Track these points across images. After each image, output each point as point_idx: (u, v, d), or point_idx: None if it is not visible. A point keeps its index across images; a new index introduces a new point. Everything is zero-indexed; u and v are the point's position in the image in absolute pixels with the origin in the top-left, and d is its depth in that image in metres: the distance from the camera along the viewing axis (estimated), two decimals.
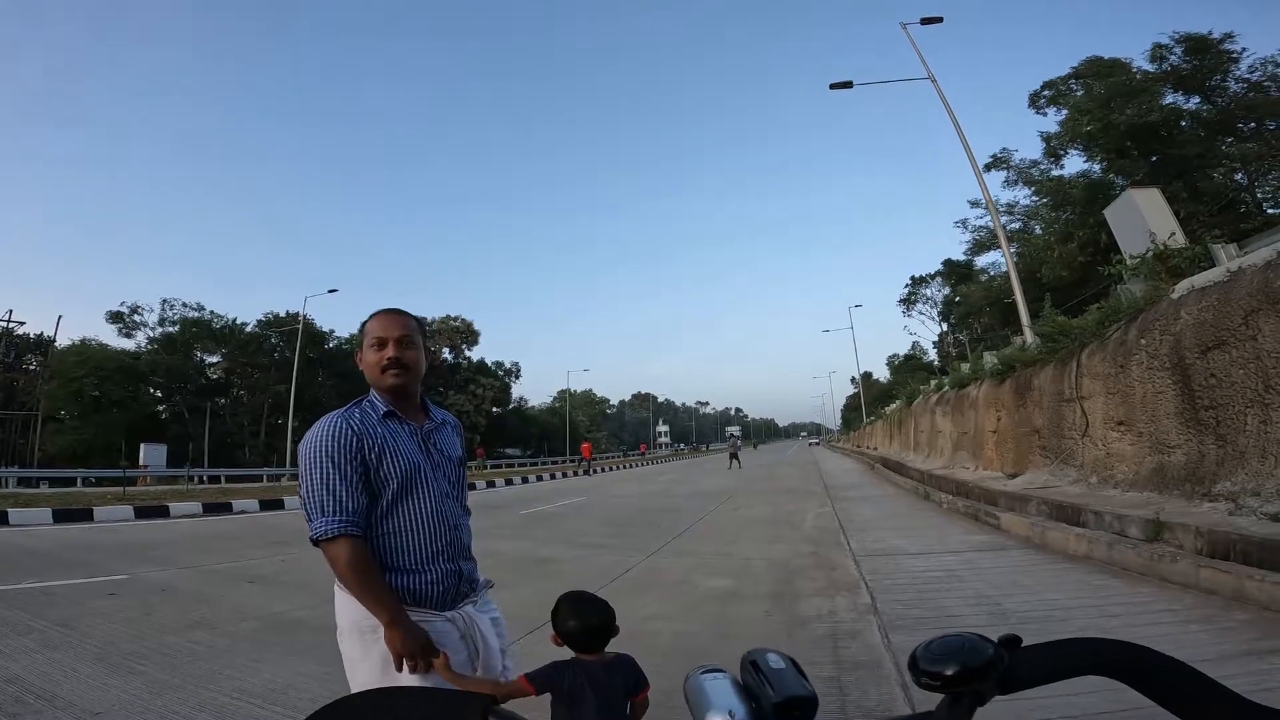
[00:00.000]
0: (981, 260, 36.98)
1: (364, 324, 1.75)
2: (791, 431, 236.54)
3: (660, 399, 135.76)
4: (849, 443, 54.20)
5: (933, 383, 21.02)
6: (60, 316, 43.02)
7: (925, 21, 15.38)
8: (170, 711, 2.89)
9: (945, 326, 45.23)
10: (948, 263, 42.49)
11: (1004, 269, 19.96)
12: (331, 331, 47.95)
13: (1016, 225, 29.47)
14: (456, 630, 1.59)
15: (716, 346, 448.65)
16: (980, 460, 12.67)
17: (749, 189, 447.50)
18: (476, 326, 57.92)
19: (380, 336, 1.67)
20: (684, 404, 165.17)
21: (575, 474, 29.21)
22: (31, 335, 37.28)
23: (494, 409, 56.71)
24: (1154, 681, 0.49)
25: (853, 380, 71.50)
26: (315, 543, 1.53)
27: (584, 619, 1.41)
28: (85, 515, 10.99)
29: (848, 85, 16.36)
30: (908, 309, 47.90)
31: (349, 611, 1.57)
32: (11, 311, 34.77)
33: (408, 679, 1.47)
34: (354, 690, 1.48)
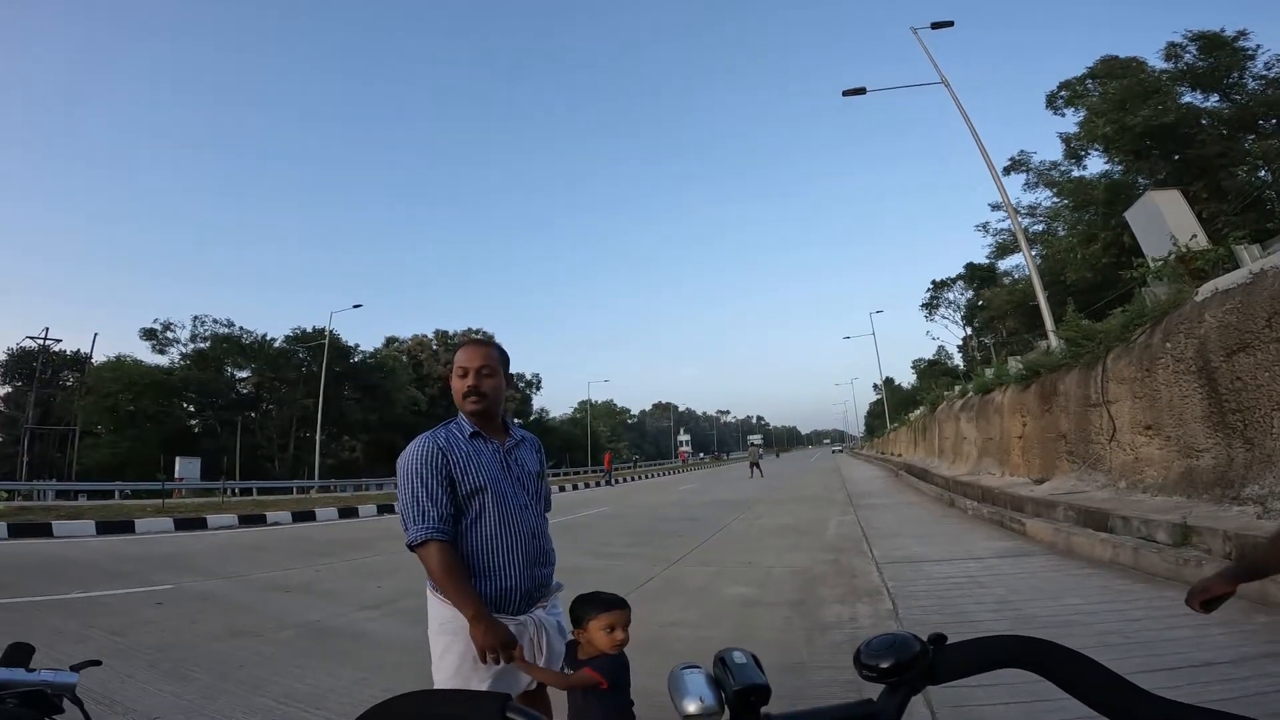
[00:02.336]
0: (1004, 263, 36.59)
1: (453, 352, 1.98)
2: (814, 439, 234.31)
3: (681, 408, 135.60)
4: (872, 449, 53.56)
5: (957, 388, 20.79)
6: (96, 334, 44.47)
7: (936, 26, 15.42)
8: (223, 715, 3.05)
9: (969, 330, 44.65)
10: (970, 266, 42.09)
11: (1027, 272, 19.74)
12: (356, 346, 48.88)
13: (1039, 227, 29.04)
14: (527, 633, 1.77)
15: (737, 355, 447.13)
16: (1006, 466, 12.54)
17: (766, 198, 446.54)
18: (498, 339, 58.44)
19: (464, 366, 1.87)
20: (705, 413, 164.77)
21: (598, 484, 29.33)
22: (68, 352, 38.61)
23: (515, 420, 56.98)
24: (1061, 673, 0.59)
25: (875, 386, 70.88)
26: (410, 548, 1.73)
27: (591, 601, 1.65)
28: (127, 527, 11.36)
29: (861, 91, 16.39)
30: (930, 313, 47.44)
31: (437, 612, 1.77)
32: (47, 329, 36.05)
33: (485, 671, 1.66)
34: (438, 681, 1.74)
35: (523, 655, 1.68)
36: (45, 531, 10.50)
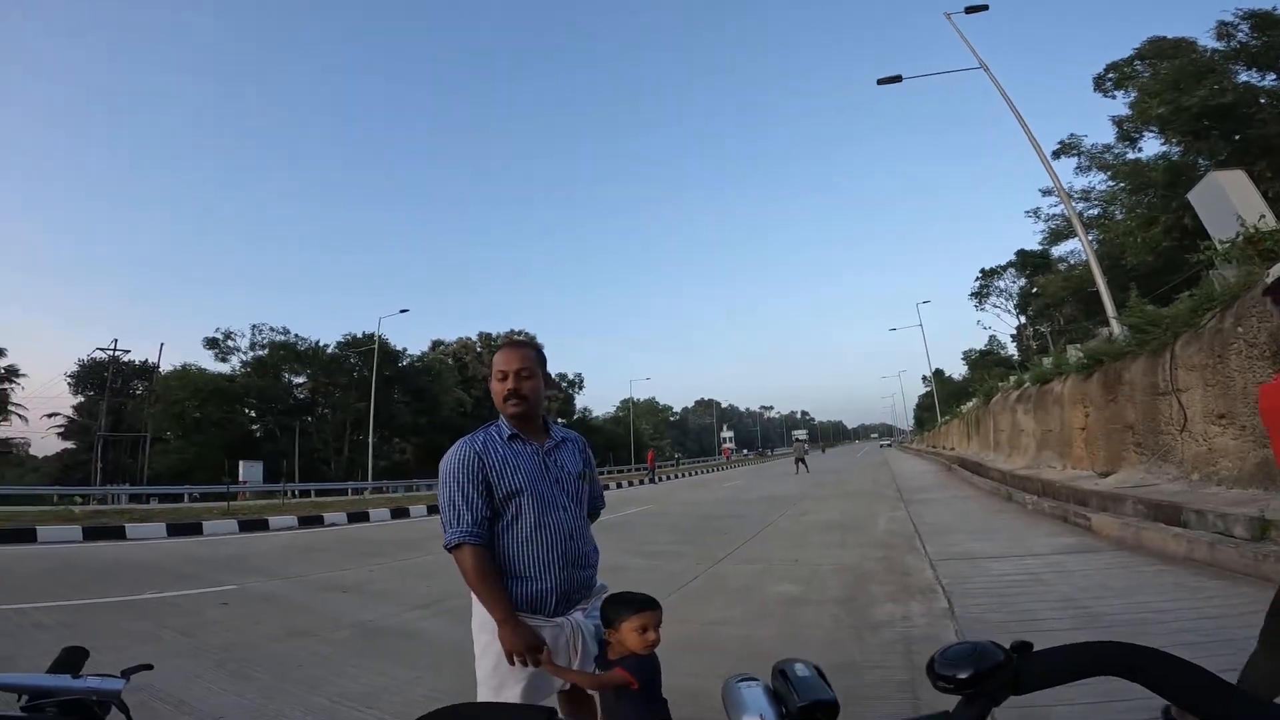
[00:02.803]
0: (1059, 249, 35.16)
1: (493, 353, 1.98)
2: (861, 433, 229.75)
3: (724, 404, 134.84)
4: (923, 443, 52.14)
5: (1012, 379, 20.03)
6: (162, 344, 46.76)
7: (970, 10, 14.86)
8: (282, 715, 3.15)
9: (1023, 319, 43.04)
10: (1021, 253, 40.64)
11: (1084, 257, 18.95)
12: (404, 350, 50.18)
13: (1095, 211, 28.04)
14: (563, 635, 1.77)
15: (780, 350, 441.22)
16: (1068, 459, 12.02)
17: (806, 191, 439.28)
18: (540, 339, 59.25)
19: (502, 369, 1.87)
20: (748, 409, 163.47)
21: (641, 482, 29.40)
22: (136, 362, 40.73)
23: (559, 420, 57.63)
24: (1162, 681, 0.53)
25: (924, 379, 68.94)
26: (447, 550, 1.77)
27: (622, 601, 1.64)
28: (195, 529, 11.91)
29: (897, 79, 15.97)
30: (980, 303, 45.98)
31: (478, 611, 1.79)
32: (116, 341, 38.11)
33: (521, 671, 1.68)
34: (479, 677, 1.76)
35: (550, 658, 1.68)
36: (119, 534, 11.07)
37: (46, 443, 41.53)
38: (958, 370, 60.95)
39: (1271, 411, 2.17)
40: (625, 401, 73.37)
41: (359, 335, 45.71)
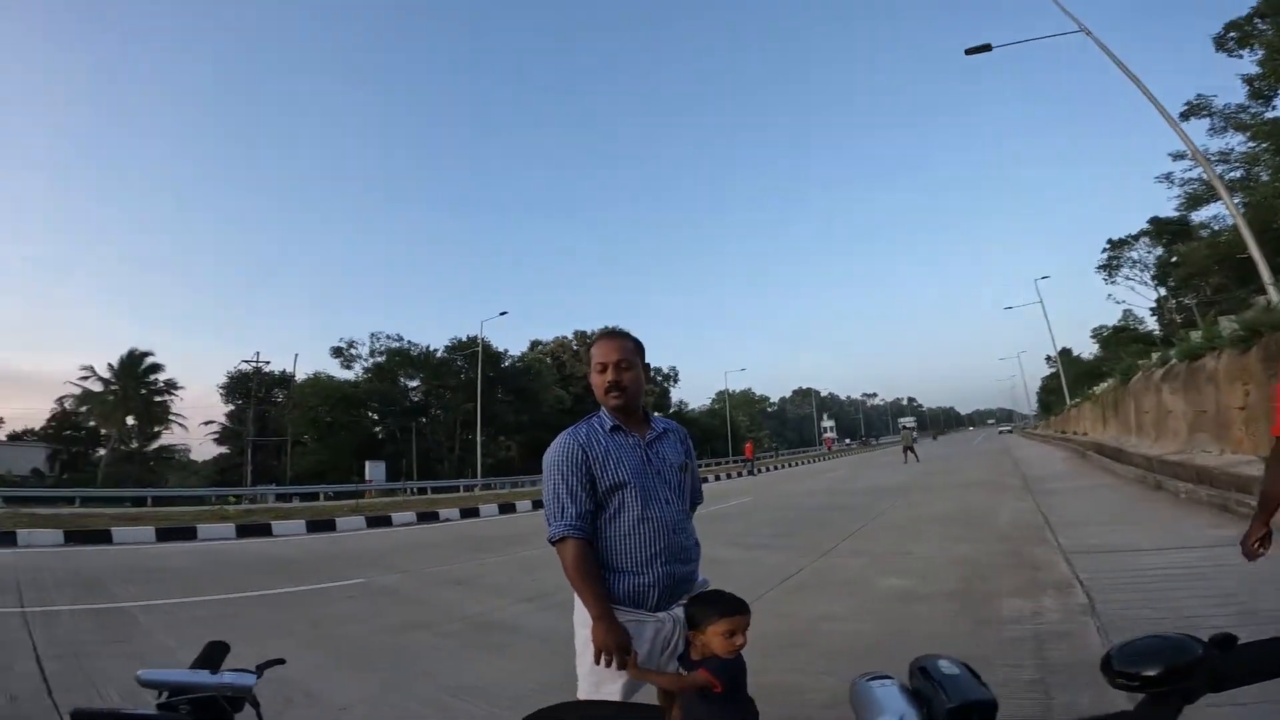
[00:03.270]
0: (1198, 215, 31.41)
1: (589, 347, 1.97)
2: (976, 419, 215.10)
3: (823, 393, 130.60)
4: (1049, 428, 47.97)
5: (1155, 355, 17.98)
6: (297, 355, 51.64)
7: None
8: (398, 706, 3.34)
9: (1162, 291, 38.59)
10: (1155, 221, 36.41)
11: (1229, 222, 16.72)
12: (505, 351, 52.35)
13: (1237, 174, 25.22)
14: (664, 630, 1.74)
15: (883, 335, 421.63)
16: (1225, 442, 10.63)
17: (902, 166, 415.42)
18: (634, 335, 59.85)
19: (602, 361, 1.87)
20: (849, 397, 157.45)
21: (740, 474, 29.05)
22: (276, 372, 45.01)
23: (654, 414, 58.16)
24: None
25: (1048, 359, 63.50)
26: (551, 542, 1.77)
27: (708, 602, 1.57)
28: (329, 526, 13.02)
29: (986, 49, 14.67)
30: (1110, 275, 41.66)
31: (580, 606, 1.78)
32: (258, 353, 42.35)
33: (607, 670, 1.66)
34: (580, 673, 1.76)
35: (635, 661, 1.66)
36: (266, 531, 12.26)
37: (204, 448, 46.82)
38: (1087, 349, 55.77)
39: None
40: (720, 393, 72.83)
41: (463, 339, 48.18)
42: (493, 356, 48.49)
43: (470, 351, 43.27)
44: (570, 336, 58.73)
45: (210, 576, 7.40)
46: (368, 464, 32.92)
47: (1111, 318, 49.48)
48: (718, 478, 27.52)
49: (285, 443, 39.90)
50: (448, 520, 14.61)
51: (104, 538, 10.69)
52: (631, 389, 1.86)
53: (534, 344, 57.58)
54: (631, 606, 1.73)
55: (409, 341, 48.83)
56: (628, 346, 1.89)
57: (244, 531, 12.04)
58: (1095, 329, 52.71)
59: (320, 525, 12.96)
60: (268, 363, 43.55)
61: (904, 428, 38.24)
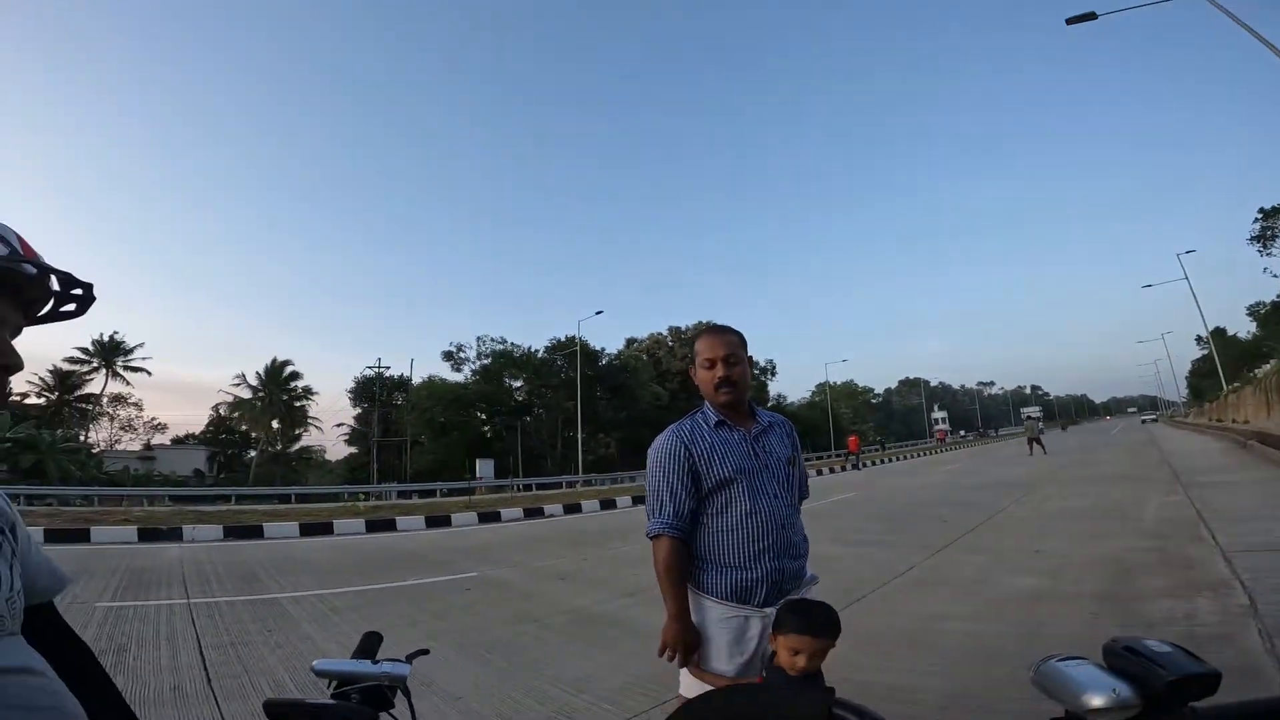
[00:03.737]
0: None
1: (693, 342, 1.97)
2: (1114, 407, 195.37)
3: (933, 383, 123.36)
4: (1202, 416, 42.74)
5: None
6: (413, 359, 55.42)
7: None
8: (508, 696, 3.53)
9: None
10: None
11: None
12: (602, 350, 53.44)
13: None
14: (762, 627, 1.72)
15: (1000, 319, 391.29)
16: None
17: (1028, 143, 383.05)
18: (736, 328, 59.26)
19: (709, 357, 1.86)
20: (963, 386, 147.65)
21: (843, 469, 28.07)
22: (396, 376, 48.46)
23: (759, 408, 57.27)
24: None
25: (1199, 340, 56.55)
26: (649, 537, 1.81)
27: (803, 617, 1.47)
28: (445, 521, 13.87)
29: (1090, 17, 13.30)
30: (1264, 247, 36.56)
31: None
32: (380, 359, 45.75)
33: (724, 662, 1.69)
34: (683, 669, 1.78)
35: (696, 664, 1.69)
36: (390, 526, 13.23)
37: (336, 448, 51.31)
38: (1243, 328, 49.17)
39: None
40: (821, 385, 70.58)
41: (562, 339, 49.71)
42: (590, 355, 49.66)
43: (569, 351, 44.60)
44: (665, 333, 59.06)
45: (346, 569, 8.09)
46: (478, 462, 34.73)
47: (1269, 293, 43.27)
48: (819, 472, 26.72)
49: (405, 442, 42.91)
50: (552, 516, 15.15)
51: (256, 533, 11.94)
52: (740, 383, 1.84)
53: (629, 341, 58.36)
54: (737, 602, 1.72)
55: (512, 344, 51.06)
56: (733, 341, 1.88)
57: (372, 527, 13.04)
58: (1252, 306, 46.41)
59: (437, 521, 13.83)
60: (388, 368, 47.02)
61: (1028, 418, 35.50)
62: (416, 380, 47.56)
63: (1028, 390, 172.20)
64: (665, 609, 1.72)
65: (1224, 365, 38.42)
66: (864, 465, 29.80)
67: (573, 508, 16.01)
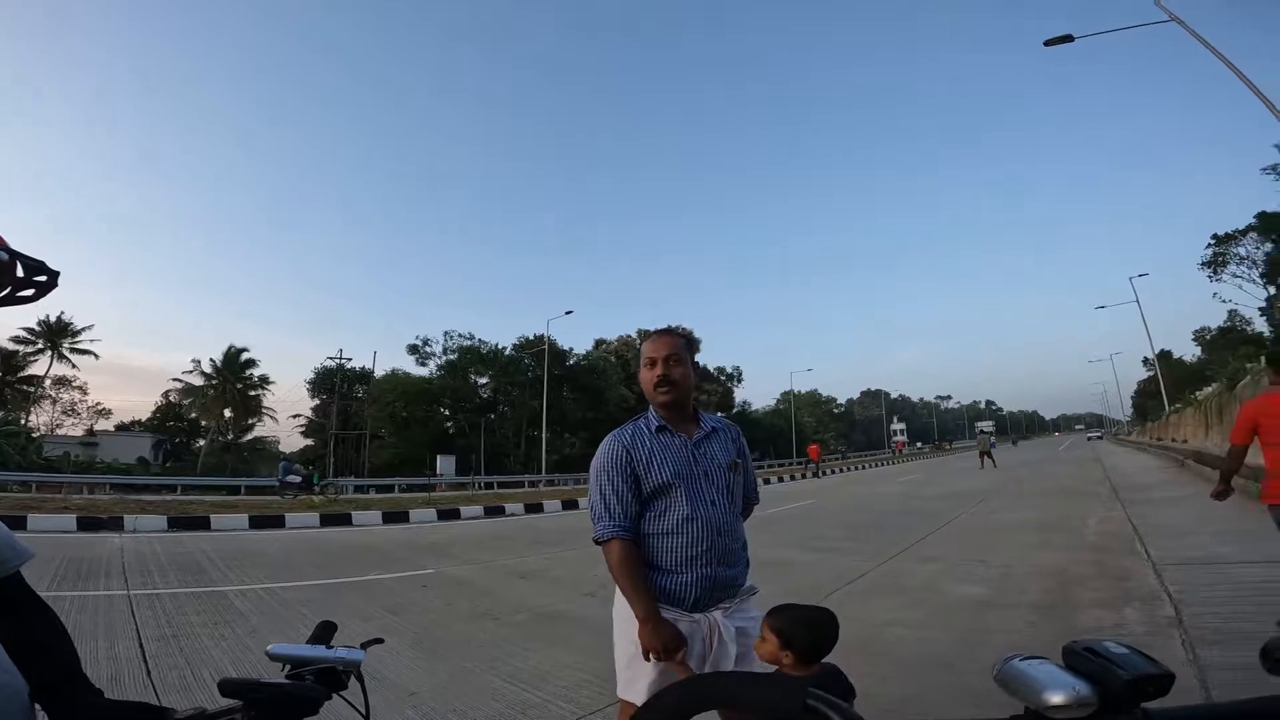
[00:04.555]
0: None
1: (640, 345, 2.01)
2: (1062, 424, 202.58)
3: (894, 395, 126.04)
4: (1145, 435, 44.69)
5: (1264, 358, 16.48)
6: (375, 351, 54.51)
7: None
8: (462, 693, 3.49)
9: (1272, 290, 35.24)
10: (1263, 216, 33.34)
11: None
12: (571, 350, 53.26)
13: None
14: (699, 632, 1.72)
15: (959, 335, 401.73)
16: None
17: (988, 162, 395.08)
18: (698, 334, 59.83)
19: (651, 356, 1.86)
20: (921, 399, 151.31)
21: (804, 476, 28.49)
22: (357, 368, 47.43)
23: (718, 414, 57.69)
24: None
25: (1145, 362, 59.17)
26: (597, 543, 1.80)
27: (809, 633, 1.48)
28: (404, 517, 13.62)
29: (1067, 39, 13.84)
30: (1215, 273, 38.40)
31: (618, 603, 1.83)
32: (341, 350, 44.73)
33: (652, 666, 1.66)
34: (617, 667, 1.78)
35: (685, 659, 1.64)
36: (347, 521, 12.95)
37: (292, 440, 49.95)
38: (1188, 351, 51.72)
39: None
40: (786, 394, 71.57)
41: (530, 337, 49.37)
42: (558, 355, 49.42)
43: (537, 350, 44.32)
44: (634, 335, 59.19)
45: (298, 563, 7.89)
46: (439, 458, 34.24)
47: (1215, 318, 45.72)
48: (781, 479, 27.09)
49: (364, 436, 42.01)
50: (513, 514, 15.04)
51: (203, 524, 11.54)
52: (681, 385, 1.84)
53: (599, 342, 58.30)
54: (667, 604, 1.73)
55: (480, 340, 50.50)
56: (677, 342, 1.88)
57: (328, 520, 12.76)
58: (1198, 330, 48.85)
59: (395, 516, 13.59)
60: (350, 359, 45.99)
61: (981, 432, 36.60)
62: (379, 373, 46.68)
63: (982, 405, 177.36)
64: (634, 612, 1.70)
65: (1167, 387, 40.30)
66: (824, 473, 30.31)
67: (535, 507, 15.92)
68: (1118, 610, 4.41)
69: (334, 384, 43.96)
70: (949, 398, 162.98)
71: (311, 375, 47.03)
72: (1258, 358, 18.20)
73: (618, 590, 1.79)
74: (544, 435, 36.45)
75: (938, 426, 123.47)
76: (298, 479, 21.10)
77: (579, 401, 49.01)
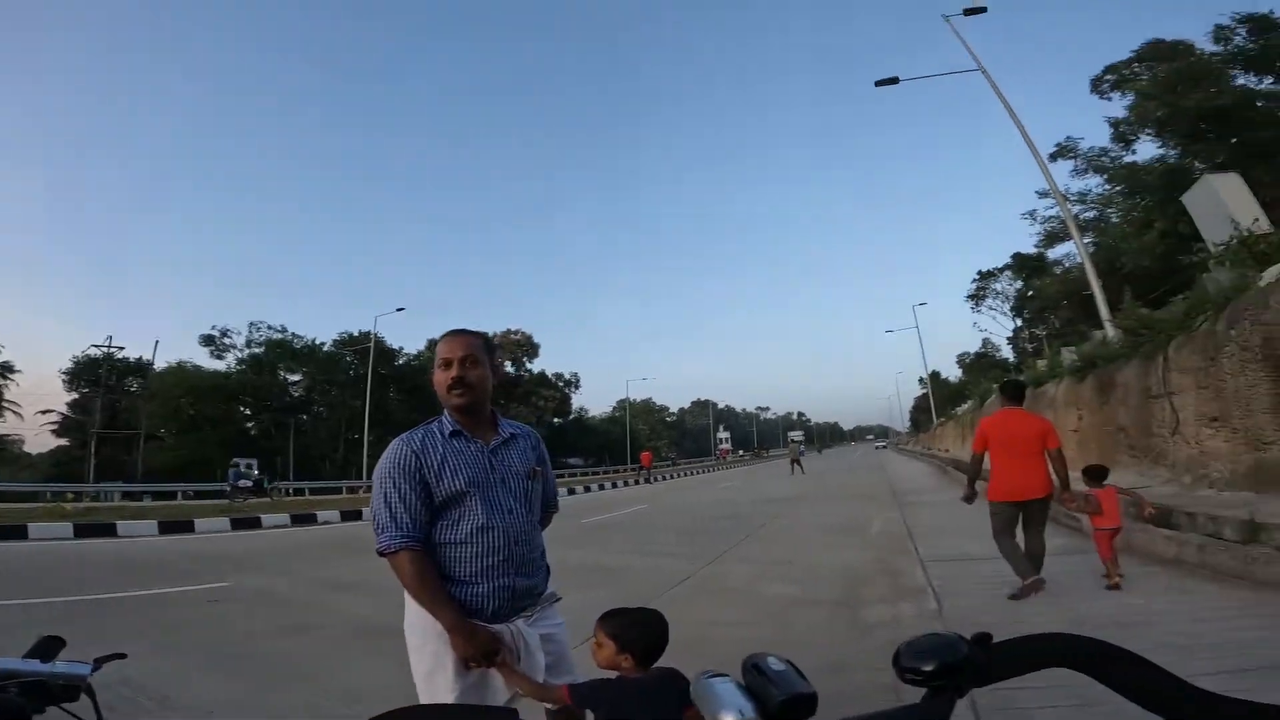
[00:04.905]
0: (1054, 252, 35.35)
1: (435, 345, 1.86)
2: (857, 435, 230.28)
3: (720, 405, 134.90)
4: (918, 445, 52.38)
5: (997, 386, 20.14)
6: (157, 341, 46.70)
7: (969, 13, 14.83)
8: (271, 709, 3.17)
9: (1019, 322, 43.20)
10: (1017, 256, 40.72)
11: (1079, 260, 19.02)
12: (400, 349, 50.19)
13: (1090, 215, 28.22)
14: (504, 642, 1.64)
15: (777, 351, 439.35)
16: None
17: (804, 189, 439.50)
18: (536, 339, 59.32)
19: (446, 357, 1.73)
20: (744, 409, 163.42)
21: (636, 482, 29.41)
22: (131, 359, 40.58)
23: (555, 420, 57.90)
24: (1112, 673, 0.54)
25: (921, 381, 69.23)
26: (381, 554, 1.67)
27: (639, 636, 1.41)
28: (187, 527, 11.87)
29: (894, 81, 16.02)
30: (976, 305, 46.01)
31: (408, 613, 1.72)
32: (110, 337, 37.96)
33: (460, 677, 1.59)
34: (417, 680, 1.68)
35: (506, 660, 1.59)
36: (110, 532, 11.01)
37: (40, 439, 41.27)
38: (954, 373, 61.36)
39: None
40: (622, 402, 73.48)
41: (355, 334, 45.71)
42: (386, 353, 46.30)
43: (362, 347, 41.05)
44: None
45: (48, 577, 6.64)
46: (237, 461, 30.40)
47: (975, 344, 54.86)
48: (615, 485, 27.71)
49: (138, 436, 35.94)
50: (327, 523, 13.79)
51: None
52: (478, 388, 1.74)
53: (431, 343, 55.52)
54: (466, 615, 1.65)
55: (293, 334, 45.74)
56: (475, 343, 1.77)
57: (83, 531, 10.77)
58: (960, 355, 58.22)
59: (176, 526, 11.82)
60: (121, 348, 39.16)
61: (792, 441, 40.41)
62: (161, 365, 40.34)
63: (795, 416, 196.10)
64: (441, 624, 1.60)
65: (937, 403, 47.59)
66: (656, 479, 31.52)
67: (353, 514, 14.69)
68: (895, 604, 4.97)
69: (100, 376, 37.12)
70: (768, 408, 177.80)
71: (70, 365, 39.34)
72: (1001, 380, 22.06)
73: (408, 604, 1.69)
74: (366, 438, 33.73)
75: (758, 434, 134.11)
76: (249, 482, 19.50)
77: (408, 403, 46.24)
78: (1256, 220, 8.81)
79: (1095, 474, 5.47)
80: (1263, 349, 6.29)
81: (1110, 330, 11.59)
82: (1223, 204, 10.05)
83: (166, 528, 11.66)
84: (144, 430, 36.53)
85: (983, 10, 14.80)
